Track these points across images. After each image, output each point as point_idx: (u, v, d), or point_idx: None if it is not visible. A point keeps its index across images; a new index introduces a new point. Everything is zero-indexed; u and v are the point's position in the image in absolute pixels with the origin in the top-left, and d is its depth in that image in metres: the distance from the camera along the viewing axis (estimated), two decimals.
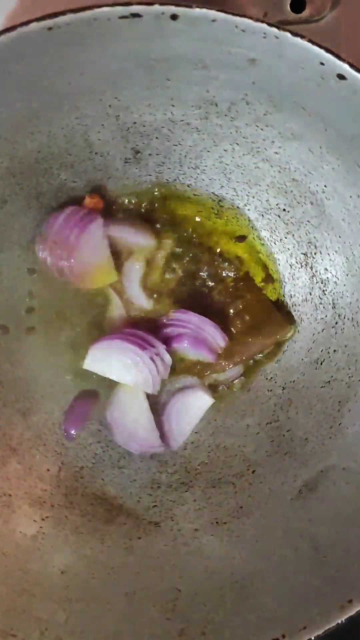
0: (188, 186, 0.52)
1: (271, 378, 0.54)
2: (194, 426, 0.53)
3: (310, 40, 0.33)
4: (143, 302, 0.53)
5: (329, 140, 0.41)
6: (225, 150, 0.48)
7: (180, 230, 0.54)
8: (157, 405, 0.53)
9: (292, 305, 0.54)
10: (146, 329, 0.53)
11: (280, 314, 0.53)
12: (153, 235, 0.53)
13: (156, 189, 0.53)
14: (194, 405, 0.53)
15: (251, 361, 0.54)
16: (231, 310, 0.54)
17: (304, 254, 0.52)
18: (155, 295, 0.53)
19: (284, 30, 0.33)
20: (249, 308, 0.54)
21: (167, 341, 0.53)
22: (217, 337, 0.52)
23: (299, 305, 0.53)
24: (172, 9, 0.32)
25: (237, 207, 0.53)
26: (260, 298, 0.54)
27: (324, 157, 0.43)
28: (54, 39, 0.34)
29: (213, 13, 0.32)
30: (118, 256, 0.52)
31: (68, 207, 0.50)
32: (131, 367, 0.50)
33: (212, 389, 0.54)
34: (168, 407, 0.53)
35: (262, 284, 0.54)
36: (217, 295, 0.54)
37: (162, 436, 0.52)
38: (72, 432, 0.52)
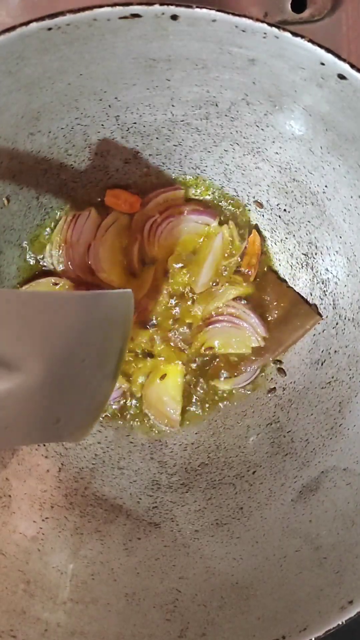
0: (188, 186, 0.52)
1: (271, 379, 0.54)
2: None
3: (310, 41, 0.33)
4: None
5: (330, 140, 0.41)
6: (225, 150, 0.48)
7: None
8: None
9: None
10: None
11: (306, 304, 0.53)
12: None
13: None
14: None
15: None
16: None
17: (305, 255, 0.52)
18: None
19: (285, 30, 0.32)
20: (274, 302, 0.53)
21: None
22: (258, 328, 0.52)
23: None
24: (172, 9, 0.32)
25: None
26: (283, 291, 0.53)
27: (325, 158, 0.43)
28: (53, 39, 0.34)
29: (213, 13, 0.32)
30: None
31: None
32: None
33: (215, 391, 0.54)
34: None
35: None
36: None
37: None
38: None
